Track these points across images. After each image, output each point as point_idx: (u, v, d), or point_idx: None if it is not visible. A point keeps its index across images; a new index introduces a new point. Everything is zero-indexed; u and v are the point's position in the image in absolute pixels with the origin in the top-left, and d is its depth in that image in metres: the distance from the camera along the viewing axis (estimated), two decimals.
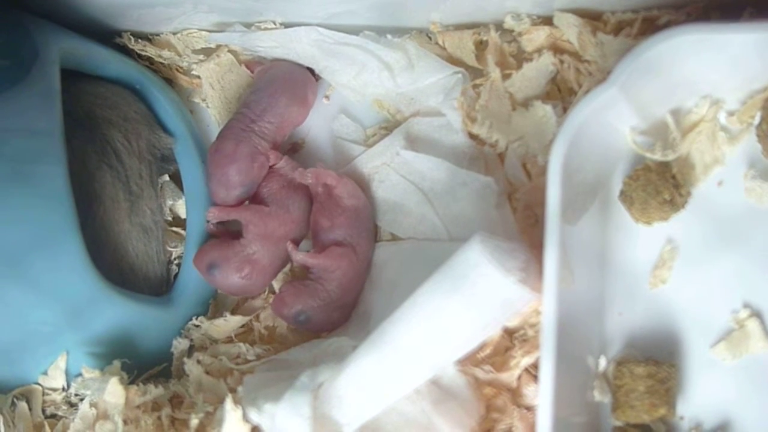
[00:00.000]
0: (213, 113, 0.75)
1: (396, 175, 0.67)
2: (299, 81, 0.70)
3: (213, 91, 0.74)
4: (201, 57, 0.74)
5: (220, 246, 0.66)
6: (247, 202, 0.68)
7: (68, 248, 0.58)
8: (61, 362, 0.60)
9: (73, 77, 0.66)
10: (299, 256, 0.65)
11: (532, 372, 0.57)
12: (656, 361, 0.54)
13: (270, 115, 0.67)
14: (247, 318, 0.68)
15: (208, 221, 0.68)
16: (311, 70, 0.71)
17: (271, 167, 0.68)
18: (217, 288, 0.69)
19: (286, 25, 0.70)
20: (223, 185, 0.66)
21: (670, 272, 0.57)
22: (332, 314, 0.65)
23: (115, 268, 0.64)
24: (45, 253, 0.57)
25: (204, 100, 0.75)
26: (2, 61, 0.61)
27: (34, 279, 0.57)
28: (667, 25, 0.59)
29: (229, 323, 0.67)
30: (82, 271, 0.58)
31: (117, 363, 0.61)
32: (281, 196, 0.67)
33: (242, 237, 0.66)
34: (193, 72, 0.75)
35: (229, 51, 0.74)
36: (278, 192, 0.67)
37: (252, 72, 0.74)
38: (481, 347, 0.56)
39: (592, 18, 0.63)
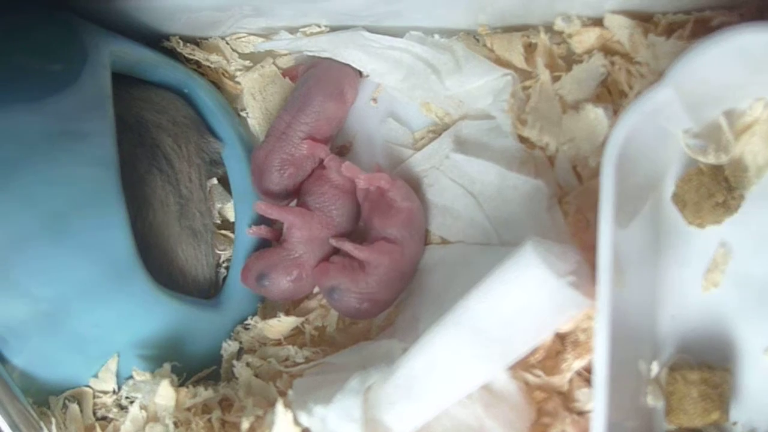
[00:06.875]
0: (252, 123, 0.75)
1: (445, 178, 0.66)
2: (334, 77, 0.70)
3: (254, 102, 0.75)
4: (248, 63, 0.75)
5: (264, 256, 0.66)
6: (294, 202, 0.69)
7: (122, 255, 0.58)
8: (112, 365, 0.60)
9: (122, 82, 0.66)
10: (348, 245, 0.65)
11: (584, 376, 0.57)
12: (709, 366, 0.54)
13: (304, 114, 0.68)
14: (300, 319, 0.68)
15: (249, 226, 0.69)
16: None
17: (318, 167, 0.68)
18: (269, 297, 0.69)
19: (332, 28, 0.70)
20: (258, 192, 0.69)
21: (723, 275, 0.56)
22: (362, 304, 0.64)
23: (165, 270, 0.65)
24: (98, 256, 0.57)
25: (244, 109, 0.75)
26: (53, 65, 0.61)
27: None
28: (719, 27, 0.59)
29: (282, 324, 0.67)
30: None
31: (167, 365, 0.62)
32: (325, 199, 0.67)
33: (285, 241, 0.66)
34: (237, 80, 0.75)
35: (274, 63, 0.74)
36: (323, 195, 0.67)
37: (294, 81, 0.74)
38: (533, 351, 0.56)
39: (643, 19, 0.62)
